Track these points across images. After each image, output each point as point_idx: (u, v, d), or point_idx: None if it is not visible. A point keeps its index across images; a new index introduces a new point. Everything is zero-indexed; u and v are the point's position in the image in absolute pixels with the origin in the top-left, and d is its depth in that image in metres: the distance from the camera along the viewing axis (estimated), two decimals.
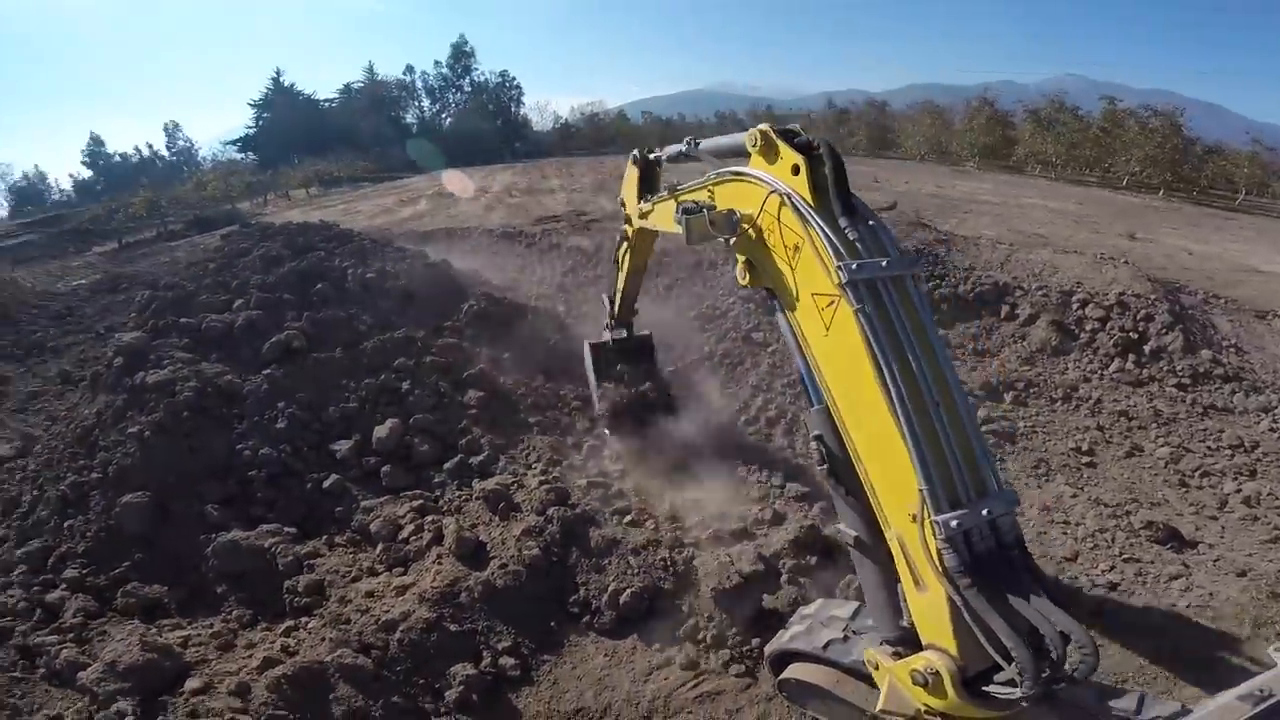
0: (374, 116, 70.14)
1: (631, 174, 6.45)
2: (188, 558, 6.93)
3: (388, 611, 5.83)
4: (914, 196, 25.11)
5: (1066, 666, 2.66)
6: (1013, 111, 48.55)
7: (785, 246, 3.40)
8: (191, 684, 5.54)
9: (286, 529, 6.94)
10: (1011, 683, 2.70)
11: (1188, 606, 5.80)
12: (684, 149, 5.26)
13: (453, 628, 5.73)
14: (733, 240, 3.71)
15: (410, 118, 76.17)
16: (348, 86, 75.60)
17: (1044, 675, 2.63)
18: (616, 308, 7.89)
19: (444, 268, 11.94)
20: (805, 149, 3.38)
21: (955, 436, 2.97)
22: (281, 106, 71.11)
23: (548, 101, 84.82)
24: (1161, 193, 36.08)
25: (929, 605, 2.93)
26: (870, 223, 3.31)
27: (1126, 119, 41.73)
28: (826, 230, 3.18)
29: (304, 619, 6.22)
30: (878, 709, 3.26)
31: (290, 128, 67.90)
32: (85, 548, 7.21)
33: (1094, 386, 10.11)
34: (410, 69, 76.78)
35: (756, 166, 3.66)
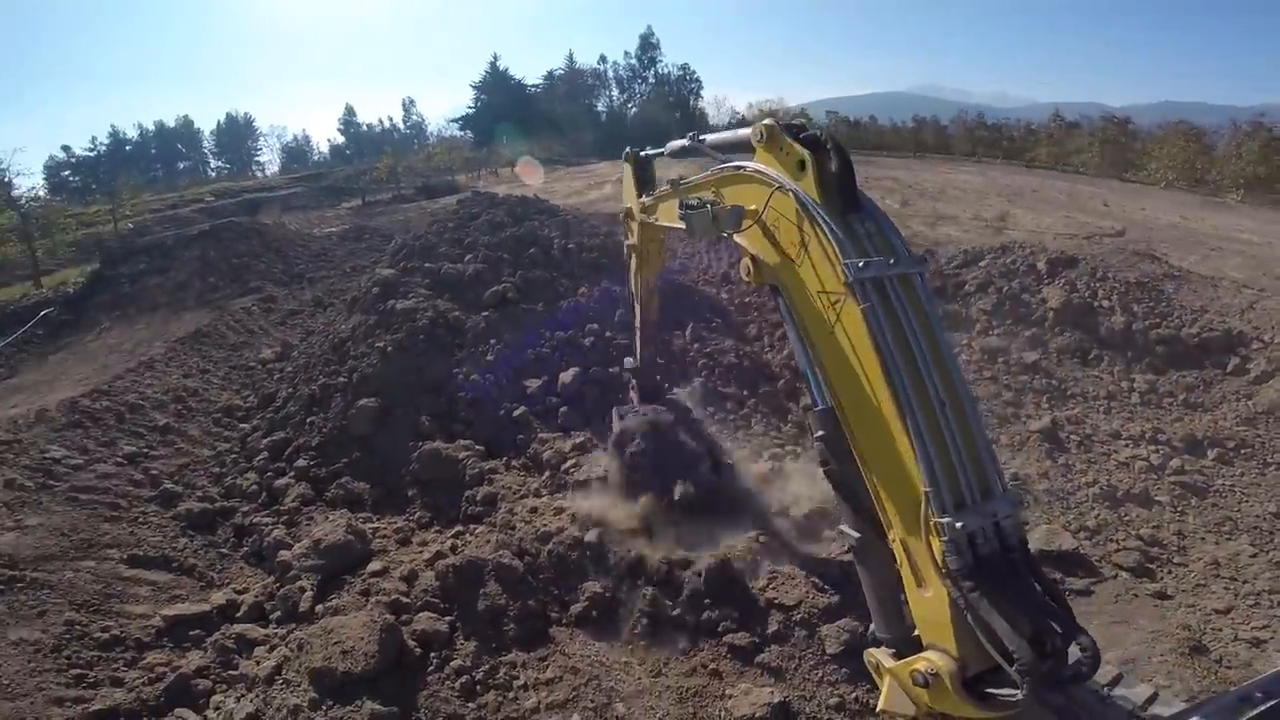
0: (571, 103, 73.96)
1: (628, 173, 6.38)
2: (395, 460, 8.38)
3: (545, 525, 6.75)
4: (1149, 225, 22.22)
5: (1068, 668, 2.62)
6: None
7: (791, 243, 3.30)
8: (373, 566, 6.83)
9: (477, 446, 8.21)
10: (1013, 684, 2.64)
11: None
12: (687, 143, 5.10)
13: (593, 550, 6.48)
14: (737, 236, 3.64)
15: (601, 106, 79.59)
16: (550, 73, 79.27)
17: (1046, 676, 2.58)
18: (638, 338, 7.43)
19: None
20: (812, 145, 3.29)
21: (961, 437, 2.91)
22: (496, 90, 76.07)
23: (725, 97, 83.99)
24: None
25: (931, 606, 2.89)
26: (878, 221, 3.23)
27: None
28: (833, 227, 3.09)
29: (473, 525, 7.33)
30: (878, 709, 3.25)
31: (502, 110, 73.42)
32: (318, 442, 8.96)
33: None
34: (603, 58, 79.41)
35: (762, 162, 3.56)
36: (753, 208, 3.53)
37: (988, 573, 2.74)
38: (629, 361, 7.89)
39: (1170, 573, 6.70)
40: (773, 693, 5.17)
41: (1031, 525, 6.99)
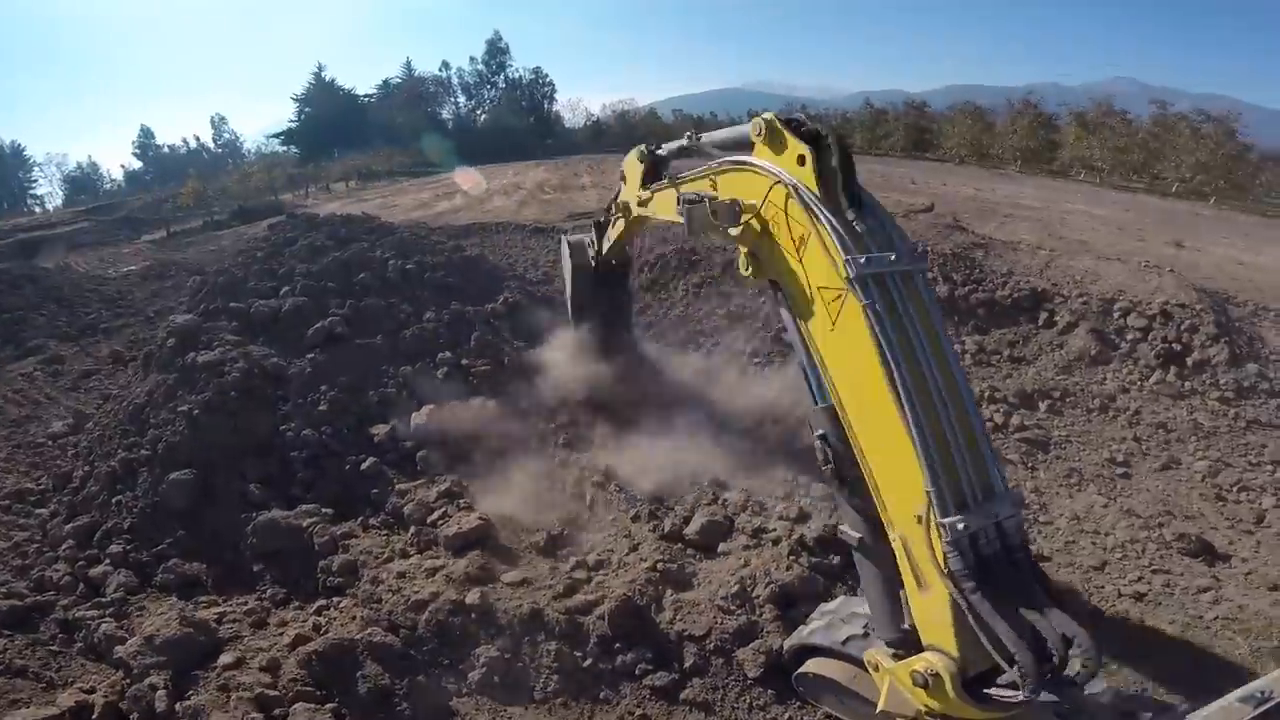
0: (412, 112, 71.13)
1: (635, 169, 6.33)
2: (227, 535, 7.20)
3: (418, 592, 6.01)
4: (952, 199, 24.71)
5: (1068, 670, 2.66)
6: (1058, 115, 47.32)
7: (791, 239, 3.29)
8: (224, 659, 5.77)
9: (324, 510, 7.18)
10: (1013, 685, 2.69)
11: (1215, 619, 5.72)
12: (685, 143, 5.08)
13: (477, 611, 5.88)
14: (735, 231, 3.59)
15: (446, 114, 77.20)
16: (386, 82, 76.70)
17: (1045, 678, 2.62)
18: (603, 248, 7.68)
19: (480, 261, 12.22)
20: (812, 139, 3.27)
21: (963, 437, 2.92)
22: (322, 101, 72.28)
23: (579, 99, 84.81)
24: (1213, 201, 34.87)
25: (931, 606, 2.91)
26: (879, 216, 3.24)
27: (1178, 124, 40.38)
28: (834, 223, 3.07)
29: (336, 598, 6.42)
30: (878, 709, 3.27)
31: (330, 122, 69.21)
32: (131, 523, 7.53)
33: (1132, 397, 9.89)
34: (446, 65, 77.48)
35: (761, 157, 3.54)
36: (751, 202, 3.51)
37: (989, 573, 2.75)
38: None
39: (1040, 532, 7.03)
40: None
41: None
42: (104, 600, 6.87)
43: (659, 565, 6.05)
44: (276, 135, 77.26)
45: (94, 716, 5.64)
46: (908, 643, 3.20)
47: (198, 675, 5.67)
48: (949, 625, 2.82)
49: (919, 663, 2.95)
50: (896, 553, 3.03)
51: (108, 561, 7.30)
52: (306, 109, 73.49)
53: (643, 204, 6.01)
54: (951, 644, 2.83)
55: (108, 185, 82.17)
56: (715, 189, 3.96)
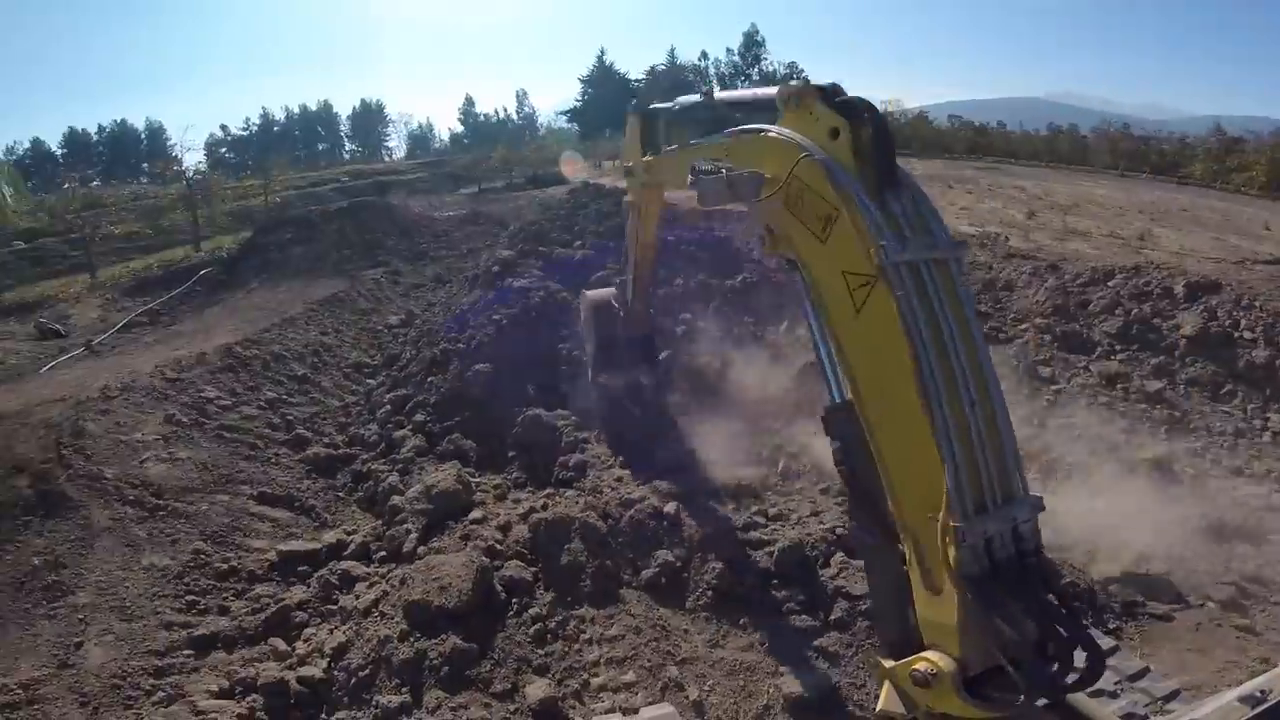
0: (672, 97, 74.16)
1: (633, 130, 6.02)
2: (499, 423, 9.07)
3: (630, 493, 7.15)
4: None
5: (1072, 675, 2.59)
6: None
7: (816, 217, 3.00)
8: (473, 515, 7.42)
9: (573, 417, 8.81)
10: (1015, 686, 2.61)
11: None
12: (700, 99, 4.77)
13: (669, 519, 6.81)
14: (754, 205, 3.35)
15: None
16: (653, 68, 79.98)
17: (1049, 681, 2.56)
18: (631, 291, 7.48)
19: (727, 242, 13.24)
20: (848, 110, 3.02)
21: (988, 438, 2.77)
22: (602, 84, 77.83)
23: None
24: None
25: (939, 607, 2.80)
26: (915, 199, 2.99)
27: None
28: (867, 203, 2.85)
29: (564, 490, 7.82)
30: (877, 709, 3.24)
31: (607, 104, 75.03)
32: (435, 400, 9.80)
33: None
34: (704, 55, 79.14)
35: (788, 126, 3.26)
36: (773, 174, 3.23)
37: (1001, 577, 2.69)
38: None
39: (1264, 611, 6.26)
40: (825, 677, 5.29)
41: (1122, 548, 6.65)
42: (397, 458, 9.11)
43: (837, 530, 6.41)
44: (564, 112, 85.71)
45: (346, 551, 7.64)
46: (908, 643, 3.09)
47: (448, 525, 7.36)
48: (955, 626, 2.73)
49: (919, 662, 2.88)
50: (907, 553, 2.93)
51: (409, 427, 9.62)
52: (589, 90, 78.99)
53: (649, 169, 5.71)
54: (955, 645, 2.74)
55: (437, 144, 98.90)
56: (730, 158, 3.69)
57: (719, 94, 4.56)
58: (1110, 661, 4.10)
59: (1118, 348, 10.81)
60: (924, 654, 2.88)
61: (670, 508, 6.77)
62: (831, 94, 3.13)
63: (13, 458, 8.62)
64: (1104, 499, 7.26)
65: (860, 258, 2.81)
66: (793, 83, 3.26)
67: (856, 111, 3.02)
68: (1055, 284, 12.25)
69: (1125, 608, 6.12)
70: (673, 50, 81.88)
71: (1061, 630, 2.61)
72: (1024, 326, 11.41)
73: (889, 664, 3.08)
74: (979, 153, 47.36)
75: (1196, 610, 6.26)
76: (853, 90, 3.17)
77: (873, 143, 2.94)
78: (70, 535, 7.59)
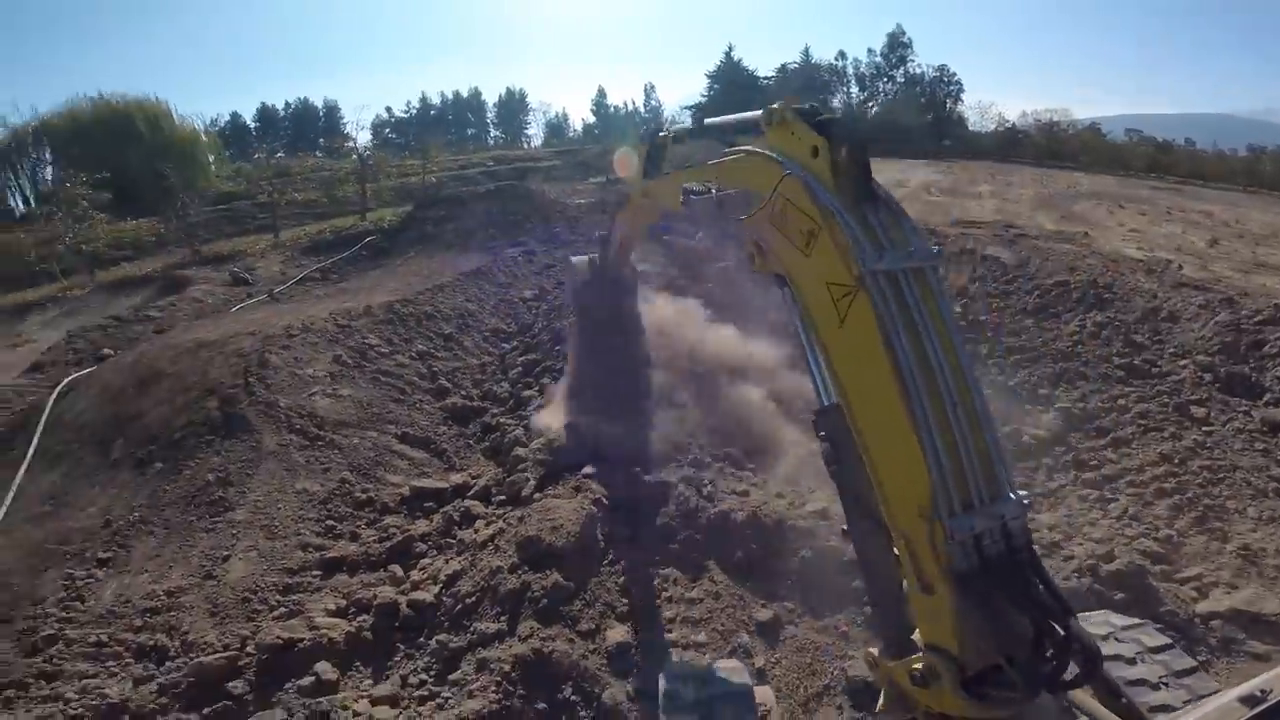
0: (805, 98, 71.79)
1: (632, 159, 6.36)
2: (610, 387, 9.38)
3: (733, 487, 7.85)
4: None
5: (1069, 672, 2.58)
6: None
7: (799, 232, 3.14)
8: (586, 470, 7.86)
9: None
10: (1012, 685, 2.63)
11: None
12: (691, 125, 4.94)
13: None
14: (743, 222, 3.48)
15: (837, 102, 76.16)
16: (784, 67, 77.28)
17: (1045, 678, 2.57)
18: (614, 254, 8.26)
19: None
20: (825, 129, 3.16)
21: (972, 436, 2.83)
22: (728, 80, 75.85)
23: (992, 103, 74.93)
24: None
25: (933, 606, 2.82)
26: (893, 211, 3.10)
27: None
28: (846, 217, 2.98)
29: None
30: (876, 709, 3.24)
31: (732, 100, 74.10)
32: (560, 366, 10.56)
33: None
34: (842, 54, 75.50)
35: (772, 145, 3.42)
36: (760, 193, 3.39)
37: (993, 574, 2.74)
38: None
39: None
40: None
41: (1239, 588, 6.24)
42: (524, 413, 9.89)
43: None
44: (689, 107, 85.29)
45: (470, 491, 8.28)
46: (907, 643, 3.12)
47: (564, 476, 7.90)
48: (950, 625, 2.77)
49: (917, 662, 2.93)
50: (899, 553, 3.00)
51: (537, 388, 10.46)
52: (715, 85, 77.38)
53: (645, 194, 5.92)
54: (952, 644, 2.79)
55: (571, 134, 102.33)
56: (720, 179, 3.87)
57: (709, 120, 4.77)
58: (1161, 657, 4.05)
59: None
60: (922, 654, 2.94)
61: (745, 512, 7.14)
62: (811, 114, 3.30)
63: (208, 381, 10.17)
64: (1235, 540, 6.76)
65: (841, 269, 2.95)
66: (773, 105, 3.44)
67: (834, 130, 3.16)
68: (1227, 319, 11.14)
69: (1222, 643, 5.79)
70: (807, 49, 79.04)
71: (1057, 627, 2.64)
72: (1183, 363, 10.52)
73: (888, 664, 3.15)
74: (1160, 171, 42.47)
75: None
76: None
77: (849, 159, 3.06)
78: (242, 456, 8.69)
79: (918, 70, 72.82)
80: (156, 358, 11.41)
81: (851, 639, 5.92)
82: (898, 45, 74.09)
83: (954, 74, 71.43)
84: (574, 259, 9.90)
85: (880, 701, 3.26)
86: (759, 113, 3.55)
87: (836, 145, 3.11)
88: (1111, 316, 11.65)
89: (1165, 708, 3.52)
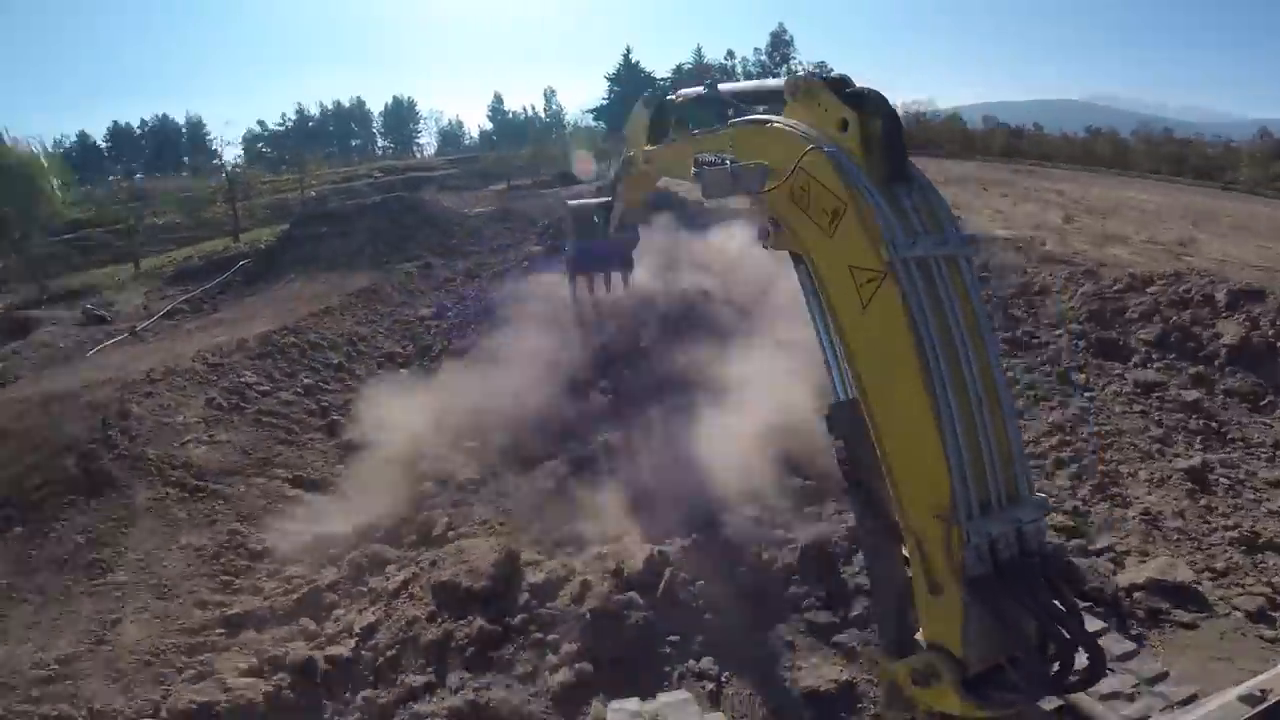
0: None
1: (641, 117, 6.06)
2: None
3: None
4: None
5: (1073, 674, 2.59)
6: None
7: (822, 210, 2.91)
8: None
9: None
10: (1016, 686, 2.61)
11: None
12: (703, 90, 4.73)
13: None
14: (759, 197, 3.29)
15: None
16: (679, 68, 78.48)
17: (1050, 682, 2.57)
18: (611, 224, 8.17)
19: None
20: (857, 102, 2.94)
21: (995, 437, 2.74)
22: (628, 82, 76.41)
23: None
24: None
25: (941, 607, 2.78)
26: (926, 193, 2.92)
27: None
28: (876, 196, 2.78)
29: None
30: (877, 709, 3.30)
31: (633, 103, 74.91)
32: None
33: None
34: (730, 54, 78.11)
35: (794, 117, 3.20)
36: (779, 166, 3.15)
37: (1005, 578, 2.67)
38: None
39: None
40: (842, 671, 5.38)
41: (1150, 555, 6.64)
42: None
43: None
44: (591, 110, 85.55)
45: (377, 535, 7.73)
46: (910, 643, 3.09)
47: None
48: (957, 626, 2.70)
49: (919, 662, 2.88)
50: (910, 553, 2.91)
51: None
52: (615, 88, 78.28)
53: (649, 161, 5.67)
54: (957, 644, 2.72)
55: (467, 141, 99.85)
56: (734, 149, 3.59)
57: (723, 86, 4.46)
58: (1129, 665, 4.11)
59: (1155, 355, 10.61)
60: (925, 654, 2.88)
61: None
62: (840, 85, 3.07)
63: (61, 437, 8.99)
64: (1136, 506, 7.21)
65: (868, 253, 2.75)
66: (799, 75, 3.28)
67: (866, 103, 2.94)
68: (1092, 289, 12.06)
69: (1150, 615, 6.12)
70: (699, 49, 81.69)
71: (1064, 631, 2.60)
72: (1058, 332, 11.28)
73: (890, 664, 3.07)
74: (1014, 155, 46.40)
75: (1222, 619, 6.22)
76: (880, 88, 3.10)
77: (883, 135, 2.86)
78: (113, 514, 7.90)
79: (799, 68, 76.12)
80: None
81: (798, 647, 5.81)
82: (780, 44, 77.38)
83: (831, 70, 74.89)
84: (571, 202, 10.06)
85: (881, 701, 3.27)
86: (781, 80, 3.37)
87: (869, 119, 2.89)
88: (990, 294, 12.37)
89: (1116, 695, 3.52)
